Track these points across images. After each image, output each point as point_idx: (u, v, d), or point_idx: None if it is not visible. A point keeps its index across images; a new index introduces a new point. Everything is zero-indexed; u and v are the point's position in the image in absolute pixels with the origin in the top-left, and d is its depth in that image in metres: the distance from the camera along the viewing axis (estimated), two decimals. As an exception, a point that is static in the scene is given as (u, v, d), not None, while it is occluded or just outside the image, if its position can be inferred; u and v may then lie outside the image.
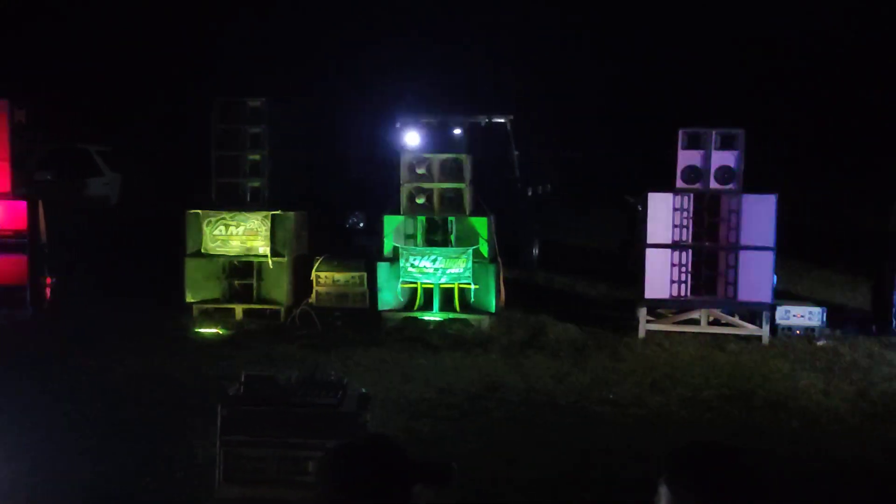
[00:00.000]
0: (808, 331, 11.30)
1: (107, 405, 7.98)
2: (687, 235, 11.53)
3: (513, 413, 8.19)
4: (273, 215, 12.06)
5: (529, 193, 16.84)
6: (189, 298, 12.03)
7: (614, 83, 16.97)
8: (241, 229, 12.04)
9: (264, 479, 5.42)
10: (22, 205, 11.90)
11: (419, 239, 11.84)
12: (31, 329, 11.21)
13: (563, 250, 17.42)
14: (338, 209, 14.09)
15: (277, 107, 12.41)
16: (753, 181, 11.42)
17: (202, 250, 12.08)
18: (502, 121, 16.07)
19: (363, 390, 5.82)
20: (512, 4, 18.02)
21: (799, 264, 13.60)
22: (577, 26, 17.44)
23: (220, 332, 11.31)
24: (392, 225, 11.94)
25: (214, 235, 12.04)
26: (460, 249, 11.68)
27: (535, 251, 16.95)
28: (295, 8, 17.23)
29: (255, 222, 12.05)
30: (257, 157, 12.26)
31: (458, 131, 12.30)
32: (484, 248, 11.82)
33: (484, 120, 16.06)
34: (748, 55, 16.73)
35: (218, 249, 12.05)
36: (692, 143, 11.48)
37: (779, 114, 15.67)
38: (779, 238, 11.23)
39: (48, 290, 12.15)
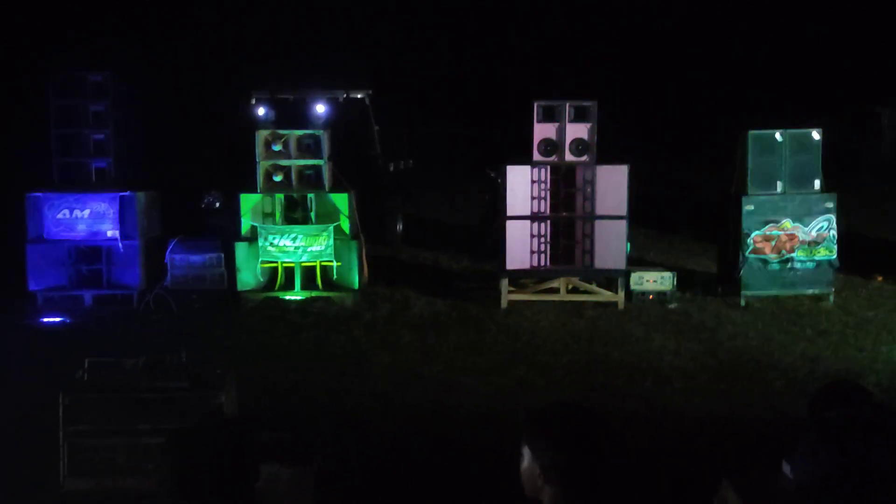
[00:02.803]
0: (661, 295, 11.75)
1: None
2: (545, 207, 11.75)
3: (375, 388, 8.14)
4: (121, 196, 11.49)
5: (391, 169, 16.76)
6: (32, 286, 11.32)
7: (472, 56, 17.14)
8: (87, 212, 11.41)
9: (113, 470, 5.17)
10: None
11: (278, 217, 11.57)
12: None
13: (427, 225, 17.45)
14: (194, 189, 13.58)
15: (123, 82, 11.78)
16: (607, 153, 11.74)
17: (44, 236, 11.38)
18: (360, 96, 15.87)
19: (217, 371, 5.63)
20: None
21: (652, 232, 14.15)
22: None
23: (67, 321, 10.70)
24: (249, 204, 11.62)
25: (58, 219, 11.36)
26: (321, 227, 11.49)
27: (399, 227, 16.90)
28: None
29: (103, 204, 11.44)
30: (102, 135, 11.61)
31: (319, 108, 12.02)
32: (345, 225, 11.68)
33: (342, 95, 15.82)
34: (599, 27, 17.24)
35: (62, 234, 11.38)
36: (547, 116, 11.68)
37: (629, 85, 16.23)
38: (631, 207, 11.60)
39: None
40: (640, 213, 12.34)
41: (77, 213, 11.41)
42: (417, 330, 10.39)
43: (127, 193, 11.52)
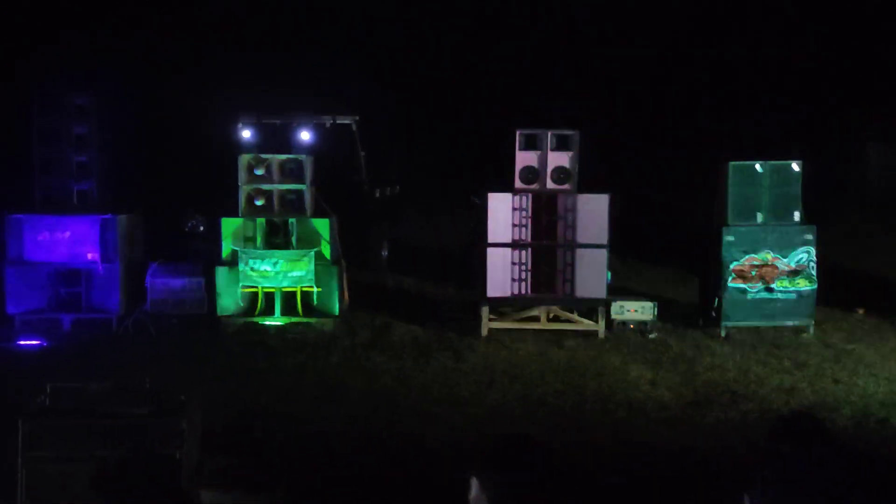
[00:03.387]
0: (641, 324, 11.75)
1: None
2: (526, 234, 11.77)
3: (348, 415, 8.10)
4: (103, 219, 11.47)
5: (377, 195, 16.80)
6: (10, 309, 11.28)
7: (459, 82, 17.24)
8: (67, 234, 11.39)
9: (71, 496, 5.12)
10: None
11: (259, 242, 11.57)
12: None
13: (413, 252, 17.45)
14: (177, 212, 13.58)
15: (107, 103, 11.80)
16: (588, 181, 11.78)
17: (24, 257, 11.34)
18: (348, 122, 15.93)
19: (181, 398, 5.60)
20: (357, 6, 18.01)
21: (633, 261, 14.17)
22: (419, 25, 17.62)
23: (44, 345, 10.65)
24: (230, 228, 11.63)
25: (39, 241, 11.33)
26: (302, 252, 11.49)
27: (385, 253, 16.91)
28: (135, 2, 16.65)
29: (84, 227, 11.42)
30: (84, 157, 11.62)
31: (304, 134, 12.09)
32: (326, 250, 11.69)
33: (329, 121, 15.88)
34: (584, 55, 17.36)
35: (42, 256, 11.35)
36: (529, 144, 11.74)
37: (612, 113, 16.33)
38: (613, 236, 11.63)
39: None
40: (622, 242, 12.37)
41: (59, 234, 11.39)
42: (396, 357, 10.37)
43: (108, 216, 11.51)
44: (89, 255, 11.42)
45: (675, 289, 13.49)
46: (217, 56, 16.26)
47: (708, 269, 12.04)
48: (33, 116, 11.40)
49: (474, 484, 3.17)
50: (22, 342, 10.73)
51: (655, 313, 11.83)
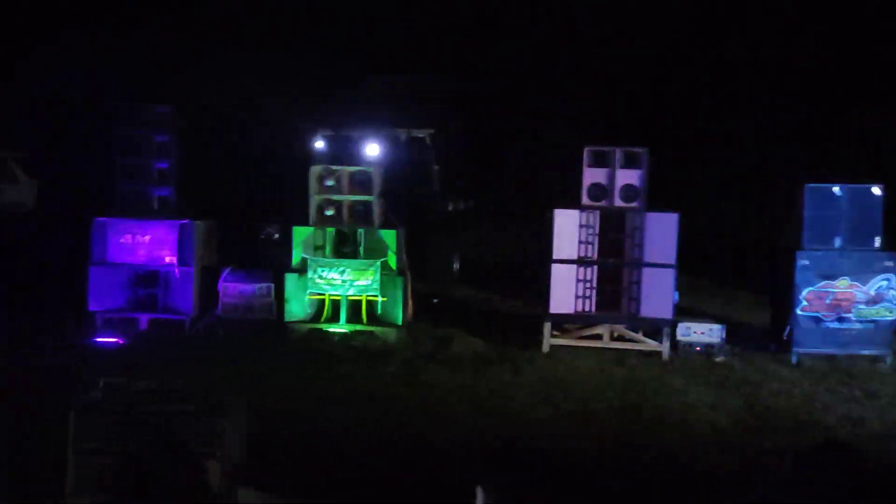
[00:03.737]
0: (708, 347, 11.49)
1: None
2: (592, 252, 11.70)
3: (395, 425, 8.19)
4: (181, 224, 11.94)
5: (450, 208, 16.97)
6: (92, 306, 11.83)
7: (529, 99, 17.29)
8: (147, 238, 11.89)
9: (113, 490, 5.35)
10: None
11: (328, 250, 11.84)
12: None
13: (486, 265, 17.51)
14: (252, 220, 14.02)
15: (187, 114, 12.31)
16: (657, 199, 11.64)
17: (107, 259, 11.90)
18: (422, 135, 16.20)
19: (224, 399, 5.80)
20: (438, 24, 18.30)
21: (703, 282, 13.88)
22: (496, 44, 17.79)
23: (120, 342, 11.13)
24: (301, 236, 11.94)
25: (121, 244, 11.87)
26: (368, 262, 11.70)
27: (456, 265, 17.05)
28: (209, 16, 17.30)
29: (163, 231, 11.91)
30: (165, 164, 12.14)
31: (372, 148, 12.35)
32: (392, 261, 11.86)
33: (404, 134, 16.18)
34: (656, 73, 17.17)
35: (123, 258, 11.88)
36: (598, 161, 11.68)
37: (682, 132, 16.08)
38: (682, 255, 11.45)
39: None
40: (691, 262, 12.14)
41: (139, 238, 11.90)
42: (454, 369, 10.43)
43: (186, 222, 11.96)
44: (167, 259, 11.89)
45: (747, 311, 13.15)
46: (296, 70, 16.74)
47: (780, 293, 11.71)
48: (117, 126, 11.97)
49: (479, 492, 3.23)
50: (100, 338, 11.23)
51: (724, 336, 11.56)
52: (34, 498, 5.93)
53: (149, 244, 11.91)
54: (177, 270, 11.92)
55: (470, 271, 16.52)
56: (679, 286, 11.65)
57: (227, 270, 12.10)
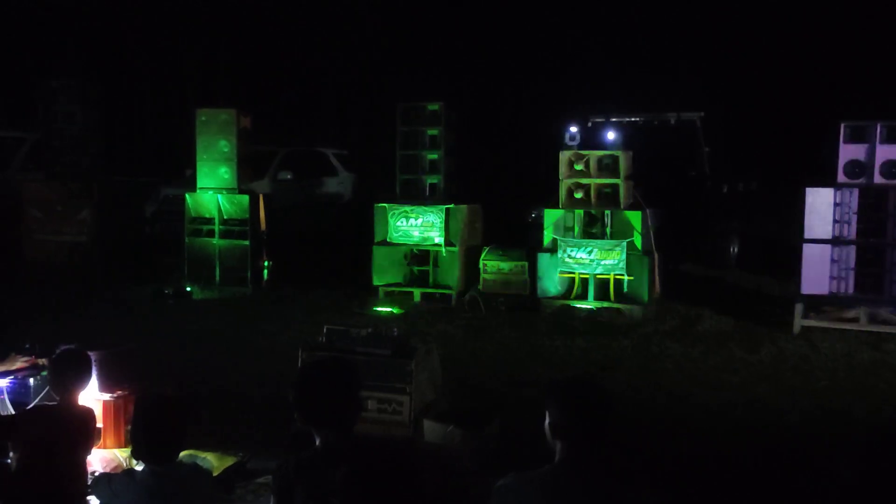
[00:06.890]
0: None
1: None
2: (849, 231, 11.23)
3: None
4: (447, 208, 13.33)
5: (725, 190, 16.75)
6: (375, 282, 13.61)
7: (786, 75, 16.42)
8: (419, 221, 13.43)
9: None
10: (244, 198, 14.18)
11: (576, 231, 12.55)
12: (247, 303, 13.37)
13: (773, 248, 17.03)
14: (517, 203, 15.05)
15: (454, 109, 13.67)
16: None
17: (387, 239, 13.63)
18: (693, 118, 16.21)
19: (419, 346, 6.87)
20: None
21: None
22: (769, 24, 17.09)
23: (394, 311, 12.74)
24: (552, 218, 12.76)
25: (397, 226, 13.53)
26: (614, 242, 12.23)
27: (734, 249, 16.83)
28: (476, 19, 18.52)
29: (432, 215, 13.38)
30: (435, 155, 13.61)
31: (610, 134, 12.87)
32: (638, 241, 12.27)
33: (673, 117, 16.30)
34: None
35: (400, 239, 13.53)
36: (855, 137, 11.16)
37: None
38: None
39: (266, 272, 14.33)
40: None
41: (412, 221, 13.48)
42: (689, 345, 10.65)
43: (451, 206, 13.32)
44: (436, 239, 13.34)
45: None
46: (561, 66, 17.53)
47: None
48: (397, 123, 13.66)
49: (547, 414, 3.95)
50: (379, 308, 12.94)
51: None
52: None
53: (421, 226, 13.43)
54: (444, 250, 13.30)
55: (751, 255, 16.29)
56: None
57: (486, 249, 13.27)
